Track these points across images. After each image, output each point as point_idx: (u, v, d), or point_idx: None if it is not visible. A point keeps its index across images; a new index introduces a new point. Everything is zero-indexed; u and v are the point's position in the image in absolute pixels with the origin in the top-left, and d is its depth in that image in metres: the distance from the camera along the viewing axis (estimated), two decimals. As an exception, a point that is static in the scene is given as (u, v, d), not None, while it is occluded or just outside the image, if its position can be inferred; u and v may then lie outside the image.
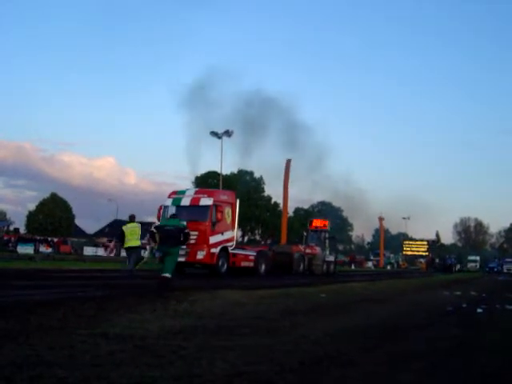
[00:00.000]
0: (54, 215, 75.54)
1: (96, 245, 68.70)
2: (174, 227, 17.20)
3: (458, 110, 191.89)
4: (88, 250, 61.77)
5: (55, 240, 64.61)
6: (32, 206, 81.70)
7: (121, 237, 19.33)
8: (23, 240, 58.16)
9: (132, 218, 19.78)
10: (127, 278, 18.44)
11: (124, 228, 19.19)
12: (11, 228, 78.35)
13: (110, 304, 10.74)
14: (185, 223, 19.38)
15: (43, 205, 77.60)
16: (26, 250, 50.70)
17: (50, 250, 56.39)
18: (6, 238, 61.17)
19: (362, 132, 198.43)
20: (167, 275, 16.23)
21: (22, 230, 75.50)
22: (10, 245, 55.09)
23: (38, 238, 63.28)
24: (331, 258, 39.91)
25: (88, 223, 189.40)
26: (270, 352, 6.65)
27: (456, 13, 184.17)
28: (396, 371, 6.16)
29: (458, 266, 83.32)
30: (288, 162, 57.12)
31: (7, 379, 4.80)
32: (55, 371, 5.11)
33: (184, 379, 5.13)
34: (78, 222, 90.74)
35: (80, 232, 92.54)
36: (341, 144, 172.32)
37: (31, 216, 77.75)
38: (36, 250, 53.23)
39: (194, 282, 20.31)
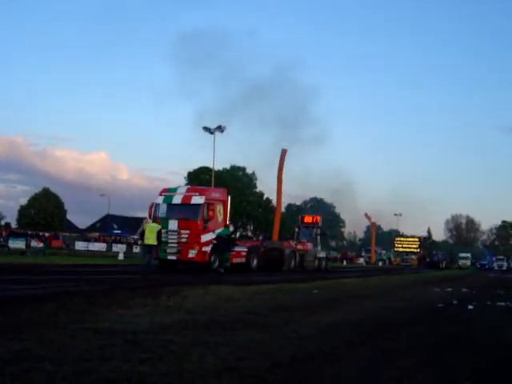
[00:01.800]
0: (45, 210, 75.29)
1: (87, 240, 68.47)
2: (226, 235, 25.91)
3: (451, 109, 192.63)
4: (79, 245, 61.58)
5: (47, 235, 64.34)
6: (24, 201, 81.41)
7: (141, 234, 22.00)
8: (14, 235, 57.86)
9: (155, 219, 22.90)
10: (144, 272, 20.43)
11: (145, 226, 21.89)
12: (2, 223, 78.12)
13: (101, 299, 10.71)
14: (231, 229, 27.56)
15: (35, 199, 77.32)
16: (17, 244, 50.46)
17: (41, 244, 56.03)
18: (-3, 232, 60.93)
19: (355, 129, 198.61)
20: (221, 270, 24.37)
21: (14, 225, 75.26)
22: (1, 239, 54.84)
23: (30, 232, 63.01)
24: (323, 254, 39.87)
25: (80, 218, 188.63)
26: (262, 347, 6.64)
27: (453, 12, 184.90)
28: (388, 367, 6.16)
29: (444, 263, 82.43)
30: (284, 151, 53.03)
31: (-4, 374, 4.77)
32: (44, 366, 5.07)
33: (174, 374, 5.10)
34: (69, 216, 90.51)
35: (72, 227, 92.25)
36: (335, 139, 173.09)
37: (23, 211, 77.44)
38: (27, 245, 52.96)
39: (185, 278, 20.28)
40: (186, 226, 25.11)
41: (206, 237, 25.34)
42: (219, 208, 26.73)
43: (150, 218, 26.12)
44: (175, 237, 25.26)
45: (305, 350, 6.64)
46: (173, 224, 25.32)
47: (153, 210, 26.13)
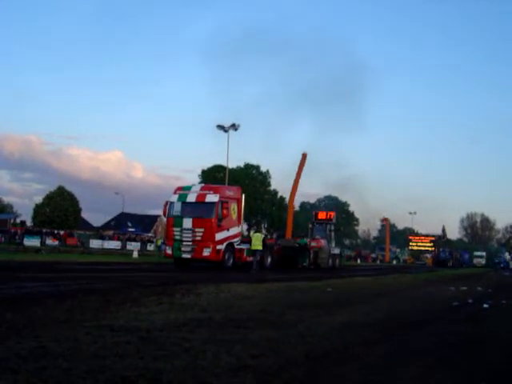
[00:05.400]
0: (60, 208, 75.58)
1: (102, 237, 68.82)
2: (303, 243, 35.16)
3: (464, 105, 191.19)
4: (94, 243, 61.96)
5: (62, 233, 64.78)
6: (39, 199, 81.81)
7: (250, 241, 27.24)
8: (30, 233, 58.35)
9: (259, 230, 30.01)
10: (253, 271, 25.34)
11: (251, 235, 27.86)
12: (18, 221, 78.60)
13: (116, 296, 10.77)
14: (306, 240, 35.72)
15: (50, 198, 77.60)
16: (32, 242, 50.91)
17: (56, 242, 56.55)
18: (12, 230, 61.35)
19: (371, 128, 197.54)
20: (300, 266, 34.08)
21: (29, 223, 75.72)
22: (17, 237, 55.27)
23: (45, 230, 63.42)
24: (337, 251, 39.62)
25: (94, 216, 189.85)
26: (276, 345, 6.62)
27: (460, 10, 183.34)
28: (403, 366, 6.13)
29: (452, 262, 80.00)
30: (304, 156, 52.16)
31: (13, 371, 4.80)
32: (60, 363, 5.10)
33: (188, 372, 5.11)
34: (84, 215, 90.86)
35: (86, 225, 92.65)
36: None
37: (38, 209, 77.81)
38: (42, 243, 53.41)
39: (200, 276, 20.32)
40: (200, 225, 25.19)
41: (221, 235, 25.40)
42: (233, 206, 26.81)
43: (164, 216, 26.41)
44: (190, 235, 25.35)
45: (319, 349, 6.62)
46: (187, 222, 25.42)
47: (167, 208, 26.24)
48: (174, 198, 26.63)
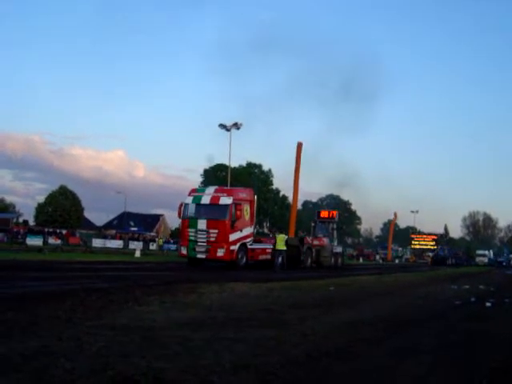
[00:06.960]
0: (63, 207, 75.53)
1: (104, 237, 68.78)
2: (300, 238, 34.08)
3: (467, 105, 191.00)
4: (97, 242, 61.93)
5: (64, 232, 64.72)
6: (41, 199, 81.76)
7: (274, 242, 28.46)
8: (32, 232, 58.31)
9: (282, 232, 31.20)
10: (277, 269, 26.86)
11: (277, 236, 28.88)
12: (20, 220, 78.58)
13: (119, 295, 10.77)
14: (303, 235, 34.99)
15: (52, 197, 77.52)
16: (35, 241, 50.89)
17: (58, 241, 56.50)
18: (15, 229, 61.33)
19: (374, 127, 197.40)
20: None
21: (31, 222, 75.67)
22: (19, 237, 55.28)
23: (47, 230, 63.37)
24: (339, 250, 39.51)
25: (97, 215, 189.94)
26: (278, 344, 6.63)
27: (462, 8, 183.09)
28: (405, 365, 6.13)
29: (453, 260, 78.76)
30: (299, 145, 51.01)
31: (15, 370, 4.81)
32: (62, 362, 5.11)
33: (191, 371, 5.12)
34: (86, 214, 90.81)
35: (89, 224, 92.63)
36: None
37: (40, 208, 77.73)
38: (45, 242, 53.38)
39: (204, 275, 20.32)
40: (214, 226, 25.76)
41: (234, 236, 25.96)
42: (246, 208, 27.37)
43: (179, 217, 26.89)
44: (204, 236, 25.91)
45: (321, 348, 6.62)
46: (202, 224, 26.02)
47: (182, 209, 26.71)
48: (189, 199, 27.23)
